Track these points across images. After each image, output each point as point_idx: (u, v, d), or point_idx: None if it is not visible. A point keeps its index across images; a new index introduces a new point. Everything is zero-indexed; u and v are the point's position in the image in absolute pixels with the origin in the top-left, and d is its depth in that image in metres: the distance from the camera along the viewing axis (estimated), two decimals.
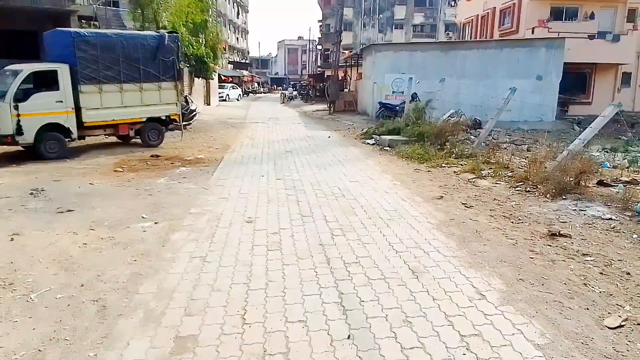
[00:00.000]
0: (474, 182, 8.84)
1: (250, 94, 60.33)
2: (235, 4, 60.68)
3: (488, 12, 33.33)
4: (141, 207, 6.88)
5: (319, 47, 65.49)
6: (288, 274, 4.54)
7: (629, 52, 27.65)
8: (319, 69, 59.66)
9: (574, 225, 6.10)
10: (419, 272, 4.59)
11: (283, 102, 44.14)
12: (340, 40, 34.06)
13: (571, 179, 7.63)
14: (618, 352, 3.29)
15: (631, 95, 28.83)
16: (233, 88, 45.59)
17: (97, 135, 12.95)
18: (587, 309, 3.88)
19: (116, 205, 6.99)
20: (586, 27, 28.05)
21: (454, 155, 11.34)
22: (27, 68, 10.96)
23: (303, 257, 4.97)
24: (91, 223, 6.06)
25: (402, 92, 22.56)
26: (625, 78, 29.11)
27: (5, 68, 11.47)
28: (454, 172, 9.76)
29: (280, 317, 3.68)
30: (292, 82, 75.09)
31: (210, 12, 29.32)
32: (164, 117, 13.81)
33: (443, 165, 10.48)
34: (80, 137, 12.19)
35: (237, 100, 44.25)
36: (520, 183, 8.35)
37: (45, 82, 11.22)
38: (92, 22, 21.38)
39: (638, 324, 3.63)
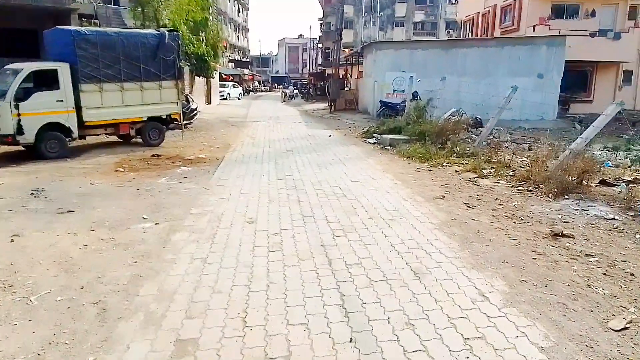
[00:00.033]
0: (475, 181, 8.80)
1: (251, 92, 60.37)
2: (235, 2, 60.57)
3: (489, 10, 33.26)
4: (142, 208, 6.85)
5: (320, 45, 65.49)
6: (289, 275, 4.51)
7: (630, 49, 27.58)
8: (320, 67, 59.56)
9: (577, 225, 6.07)
10: (421, 274, 4.56)
11: (284, 101, 44.11)
12: (341, 39, 33.98)
13: (573, 178, 7.59)
14: (623, 355, 3.26)
15: (632, 94, 28.74)
16: (234, 87, 45.56)
17: (98, 135, 12.93)
18: (592, 310, 3.85)
19: (117, 205, 6.97)
20: (587, 24, 27.96)
21: (455, 154, 11.30)
22: (28, 67, 10.93)
23: (304, 258, 4.94)
24: (92, 224, 6.04)
25: (403, 91, 22.51)
26: (627, 76, 29.03)
27: (5, 67, 11.44)
28: (456, 171, 9.73)
29: (281, 320, 3.66)
30: (292, 81, 75.16)
31: (211, 10, 29.30)
32: (164, 116, 13.77)
33: (444, 164, 10.45)
34: (81, 137, 12.18)
35: (238, 99, 44.22)
36: (522, 182, 8.32)
37: (46, 81, 11.19)
38: (92, 21, 21.32)
39: None
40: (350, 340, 3.38)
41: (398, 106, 20.38)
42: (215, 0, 35.76)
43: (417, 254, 5.11)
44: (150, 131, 13.44)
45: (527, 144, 14.29)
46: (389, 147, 13.37)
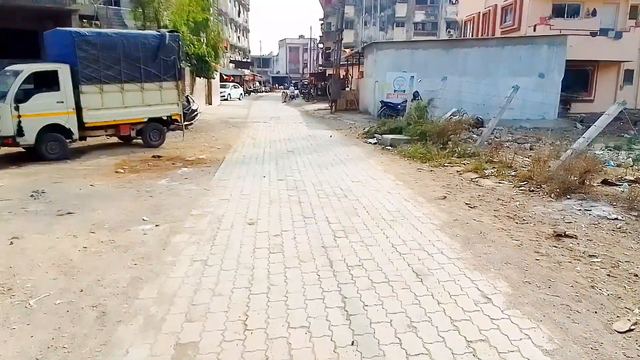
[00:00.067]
0: (477, 181, 8.76)
1: (251, 93, 60.32)
2: (236, 2, 60.55)
3: (490, 10, 33.21)
4: (142, 209, 6.82)
5: (320, 45, 65.49)
6: (290, 277, 4.47)
7: (631, 49, 27.51)
8: (321, 67, 59.58)
9: (580, 225, 6.03)
10: (423, 275, 4.53)
11: (284, 101, 44.07)
12: (342, 39, 34.00)
13: (575, 178, 7.55)
14: (629, 357, 3.22)
15: (633, 93, 28.66)
16: (234, 87, 45.54)
17: (98, 136, 12.88)
18: (596, 312, 3.81)
19: (117, 207, 6.94)
20: (588, 24, 27.91)
21: (456, 154, 11.27)
22: (28, 68, 10.90)
23: (305, 260, 4.90)
24: (91, 226, 6.01)
25: (404, 91, 22.47)
26: (628, 75, 28.95)
27: (5, 68, 11.42)
28: (457, 171, 9.69)
29: (282, 323, 3.62)
30: (293, 81, 75.08)
31: (212, 11, 29.26)
32: (165, 117, 13.74)
33: (446, 164, 10.41)
34: (82, 138, 12.14)
35: (239, 99, 44.21)
36: (524, 182, 8.27)
37: (46, 82, 11.17)
38: (93, 22, 21.29)
39: None
40: (352, 344, 3.34)
41: (399, 106, 20.34)
42: (216, 1, 35.73)
43: (419, 255, 5.07)
44: (151, 132, 13.41)
45: (529, 144, 14.25)
46: (389, 148, 13.33)
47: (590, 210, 6.61)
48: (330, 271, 4.62)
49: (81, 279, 4.41)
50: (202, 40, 25.17)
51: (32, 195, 7.52)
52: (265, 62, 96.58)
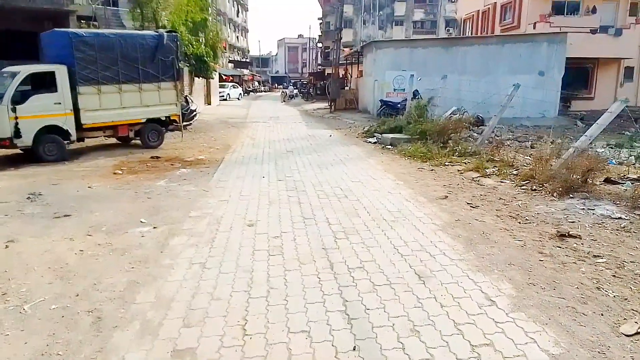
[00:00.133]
0: (478, 181, 8.68)
1: (250, 92, 60.22)
2: (235, 2, 60.46)
3: (489, 8, 33.14)
4: (140, 211, 6.74)
5: (319, 45, 65.41)
6: (290, 280, 4.39)
7: (631, 46, 27.45)
8: (320, 67, 59.55)
9: (583, 225, 5.95)
10: (426, 277, 4.45)
11: (284, 101, 43.98)
12: (341, 38, 33.95)
13: (578, 176, 7.47)
14: None
15: (634, 90, 28.59)
16: (234, 87, 45.43)
17: (97, 137, 12.79)
18: (602, 314, 3.73)
19: (115, 209, 6.86)
20: (588, 21, 27.86)
21: (457, 153, 11.18)
22: (25, 70, 10.81)
23: (305, 262, 4.82)
24: (88, 228, 5.93)
25: (404, 90, 22.41)
26: (628, 73, 28.88)
27: (2, 70, 11.32)
28: (458, 170, 9.61)
29: (282, 327, 3.54)
30: (292, 81, 75.00)
31: (210, 11, 29.20)
32: (163, 118, 13.65)
33: (446, 163, 10.33)
34: (79, 139, 12.04)
35: (238, 99, 44.10)
36: (526, 181, 8.19)
37: (43, 83, 11.07)
38: (91, 22, 21.22)
39: None
40: (354, 349, 3.26)
41: (399, 105, 20.25)
42: (215, 1, 35.67)
43: (420, 256, 4.99)
44: (149, 133, 13.33)
45: (529, 142, 14.16)
46: (390, 147, 13.25)
47: (593, 209, 6.53)
48: (331, 273, 4.54)
49: (77, 283, 4.33)
50: (200, 40, 25.11)
51: (28, 198, 7.44)
52: (264, 61, 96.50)
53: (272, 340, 3.37)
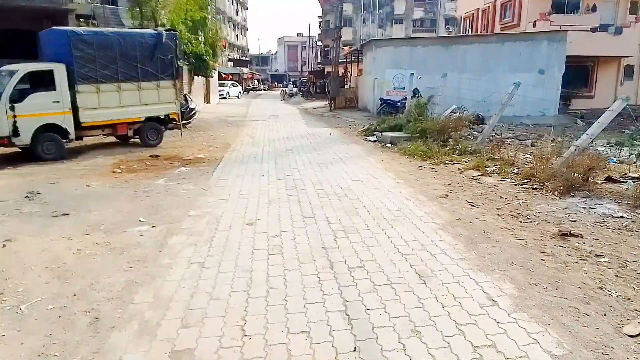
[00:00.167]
0: (479, 179, 8.64)
1: (250, 91, 60.16)
2: (234, 0, 60.36)
3: (489, 6, 33.10)
4: (139, 210, 6.69)
5: (319, 43, 65.36)
6: (290, 280, 4.35)
7: (631, 44, 27.43)
8: (319, 65, 59.45)
9: (585, 224, 5.90)
10: (427, 277, 4.41)
11: (283, 99, 43.90)
12: (340, 36, 33.86)
13: (579, 175, 7.42)
14: None
15: (634, 88, 28.56)
16: (233, 86, 45.38)
17: (95, 136, 12.74)
18: (605, 315, 3.69)
19: (113, 207, 6.81)
20: (588, 19, 27.83)
21: (457, 151, 11.13)
22: (23, 68, 10.75)
23: (305, 262, 4.78)
24: (87, 227, 5.88)
25: (404, 88, 22.37)
26: (628, 71, 28.86)
27: (0, 68, 11.28)
28: (458, 169, 9.57)
29: (282, 328, 3.50)
30: (292, 79, 74.80)
31: (209, 10, 29.11)
32: (163, 117, 13.60)
33: (446, 162, 10.28)
34: (78, 138, 12.00)
35: (238, 97, 44.05)
36: (527, 180, 8.14)
37: (42, 82, 11.02)
38: (90, 21, 21.15)
39: None
40: (354, 350, 3.22)
41: (398, 103, 20.20)
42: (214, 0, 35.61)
43: (421, 255, 4.95)
44: (149, 131, 13.28)
45: (530, 140, 14.13)
46: (389, 145, 13.20)
47: (595, 208, 6.49)
48: (331, 273, 4.49)
49: (74, 282, 4.29)
50: (200, 39, 25.05)
51: (26, 196, 7.39)
52: (263, 60, 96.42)
53: (272, 341, 3.32)
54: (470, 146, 11.41)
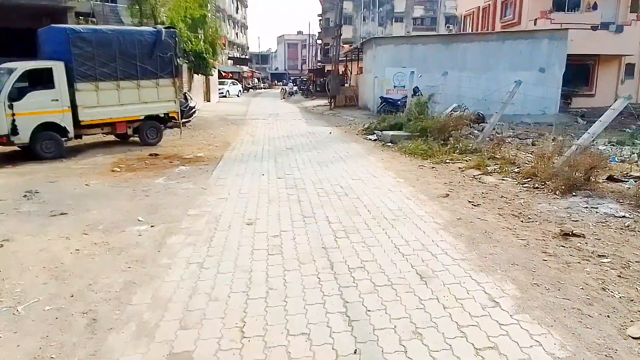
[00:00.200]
0: (479, 178, 8.60)
1: (250, 89, 60.09)
2: None
3: (489, 4, 33.02)
4: (138, 209, 6.65)
5: (319, 41, 65.19)
6: (289, 280, 4.31)
7: (632, 43, 27.32)
8: (319, 63, 59.32)
9: (587, 224, 5.86)
10: (428, 277, 4.36)
11: (283, 98, 43.84)
12: (340, 35, 33.78)
13: (580, 174, 7.37)
14: None
15: (635, 87, 28.50)
16: (233, 84, 45.31)
17: (95, 134, 12.69)
18: (608, 316, 3.65)
19: (112, 207, 6.77)
20: (589, 18, 27.75)
21: (458, 150, 11.08)
22: (22, 66, 10.69)
23: (305, 262, 4.74)
24: (85, 227, 5.84)
25: (404, 86, 22.30)
26: (629, 69, 28.78)
27: None
28: (459, 168, 9.52)
29: (281, 330, 3.46)
30: (292, 77, 74.74)
31: (209, 7, 29.00)
32: (162, 115, 13.54)
33: (447, 161, 10.24)
34: (77, 136, 11.96)
35: (237, 96, 43.97)
36: (528, 179, 8.10)
37: (40, 80, 10.96)
38: (89, 19, 21.08)
39: None
40: (355, 352, 3.17)
41: (399, 102, 20.15)
42: None
43: (422, 256, 4.91)
44: (148, 130, 13.23)
45: (530, 139, 14.06)
46: (390, 144, 13.15)
47: (596, 207, 6.45)
48: (331, 274, 4.45)
49: (72, 283, 4.25)
50: (199, 37, 24.97)
51: (25, 196, 7.35)
52: (263, 58, 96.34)
53: (271, 343, 3.28)
54: (471, 145, 11.36)
